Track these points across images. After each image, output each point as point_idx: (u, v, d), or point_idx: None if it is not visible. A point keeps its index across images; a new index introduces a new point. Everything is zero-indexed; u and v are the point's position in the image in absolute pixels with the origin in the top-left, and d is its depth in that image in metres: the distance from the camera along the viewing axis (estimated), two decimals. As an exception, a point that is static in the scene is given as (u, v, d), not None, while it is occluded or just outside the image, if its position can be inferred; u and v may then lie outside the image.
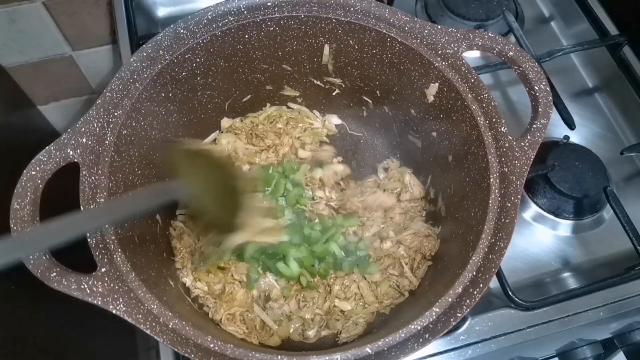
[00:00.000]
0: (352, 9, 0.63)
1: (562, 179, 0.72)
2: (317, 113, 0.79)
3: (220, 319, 0.62)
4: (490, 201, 0.53)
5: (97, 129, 0.54)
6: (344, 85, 0.73)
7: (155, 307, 0.48)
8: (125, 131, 0.56)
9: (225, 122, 0.75)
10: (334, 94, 0.75)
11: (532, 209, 0.74)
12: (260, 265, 0.66)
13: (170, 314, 0.48)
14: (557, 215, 0.73)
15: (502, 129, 0.56)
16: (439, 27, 0.61)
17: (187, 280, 0.64)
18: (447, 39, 0.61)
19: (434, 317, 0.48)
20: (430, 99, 0.64)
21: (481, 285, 0.49)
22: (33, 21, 0.89)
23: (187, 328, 0.48)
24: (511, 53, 0.59)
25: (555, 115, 0.75)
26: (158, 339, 0.47)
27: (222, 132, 0.75)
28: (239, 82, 0.70)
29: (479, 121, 0.57)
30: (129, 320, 0.47)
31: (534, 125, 0.56)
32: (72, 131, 0.53)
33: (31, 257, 0.47)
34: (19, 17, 0.87)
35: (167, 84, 0.61)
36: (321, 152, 0.76)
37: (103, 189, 0.52)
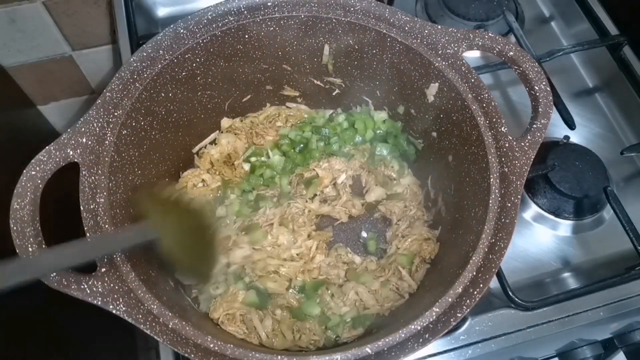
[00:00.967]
0: (352, 9, 0.63)
1: (563, 179, 0.72)
2: (318, 112, 0.78)
3: (219, 318, 0.62)
4: (490, 201, 0.53)
5: (97, 129, 0.54)
6: (344, 85, 0.73)
7: (155, 307, 0.48)
8: (125, 131, 0.56)
9: (225, 122, 0.75)
10: (334, 94, 0.75)
11: (532, 209, 0.74)
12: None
13: (170, 314, 0.48)
14: (557, 216, 0.73)
15: (502, 129, 0.56)
16: (439, 27, 0.61)
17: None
18: (447, 39, 0.61)
19: (434, 317, 0.48)
20: (430, 99, 0.64)
21: (481, 285, 0.49)
22: (33, 21, 0.89)
23: (187, 328, 0.48)
24: (511, 53, 0.59)
25: (555, 115, 0.75)
26: (158, 339, 0.47)
27: (222, 132, 0.75)
28: (239, 82, 0.70)
29: (479, 121, 0.57)
30: (129, 320, 0.47)
31: (534, 125, 0.56)
32: (72, 131, 0.53)
33: (31, 257, 0.47)
34: (19, 17, 0.87)
35: (167, 84, 0.61)
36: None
37: (103, 189, 0.52)
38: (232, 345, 0.47)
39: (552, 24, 0.93)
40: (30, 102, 1.06)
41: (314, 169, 0.72)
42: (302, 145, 0.74)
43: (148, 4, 0.89)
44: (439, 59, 0.60)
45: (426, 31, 0.61)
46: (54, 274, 0.47)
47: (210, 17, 0.61)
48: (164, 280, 0.59)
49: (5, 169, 0.65)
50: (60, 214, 0.71)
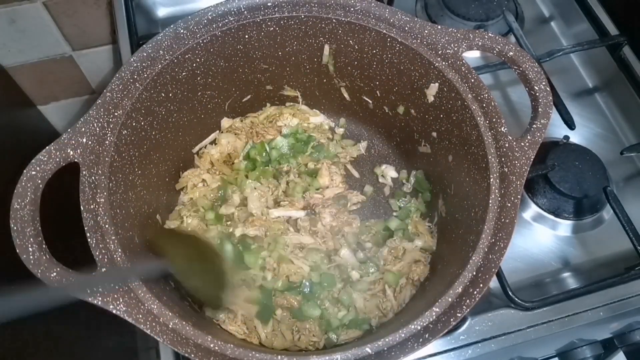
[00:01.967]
0: (352, 9, 0.63)
1: (562, 179, 0.72)
2: (317, 111, 0.79)
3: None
4: (490, 201, 0.53)
5: (97, 129, 0.54)
6: (344, 86, 0.73)
7: (155, 307, 0.48)
8: (125, 131, 0.56)
9: (225, 122, 0.75)
10: (334, 94, 0.75)
11: (532, 209, 0.74)
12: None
13: (170, 313, 0.48)
14: (557, 216, 0.73)
15: (502, 129, 0.56)
16: (439, 27, 0.61)
17: None
18: (447, 39, 0.61)
19: (434, 317, 0.48)
20: (430, 99, 0.64)
21: (481, 285, 0.49)
22: (33, 21, 0.89)
23: (187, 328, 0.48)
24: (511, 53, 0.59)
25: (555, 115, 0.75)
26: (158, 339, 0.47)
27: (222, 132, 0.75)
28: (239, 82, 0.70)
29: (479, 121, 0.57)
30: (129, 320, 0.47)
31: (534, 125, 0.56)
32: (72, 131, 0.53)
33: (31, 256, 0.47)
34: (19, 17, 0.87)
35: (167, 84, 0.61)
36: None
37: (103, 189, 0.52)
38: (232, 345, 0.47)
39: (552, 24, 0.93)
40: (30, 102, 1.06)
41: (319, 164, 0.72)
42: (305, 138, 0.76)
43: (148, 4, 0.89)
44: (439, 59, 0.60)
45: (426, 31, 0.61)
46: (55, 273, 0.47)
47: (210, 17, 0.61)
48: (164, 281, 0.59)
49: (6, 169, 0.65)
50: (60, 214, 0.71)
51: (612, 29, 0.85)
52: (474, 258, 0.51)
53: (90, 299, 0.47)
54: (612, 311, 0.63)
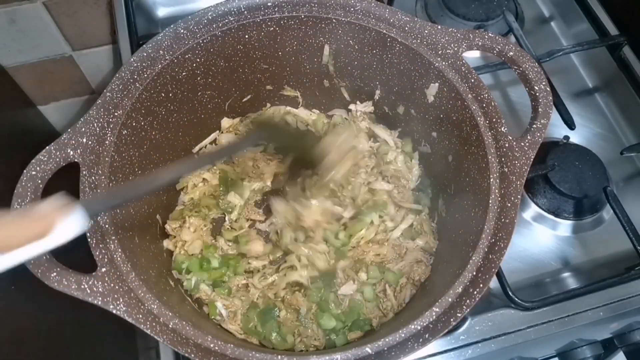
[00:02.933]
0: (352, 9, 0.63)
1: (562, 179, 0.72)
2: (316, 111, 0.79)
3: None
4: (490, 201, 0.53)
5: (97, 129, 0.54)
6: (344, 86, 0.73)
7: (155, 307, 0.48)
8: (125, 131, 0.56)
9: (226, 122, 0.75)
10: (334, 94, 0.75)
11: (532, 209, 0.74)
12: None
13: (170, 313, 0.48)
14: (557, 216, 0.73)
15: (502, 129, 0.56)
16: (439, 27, 0.61)
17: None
18: (447, 39, 0.61)
19: (434, 317, 0.48)
20: (430, 99, 0.64)
21: (481, 285, 0.49)
22: (33, 21, 0.89)
23: (187, 328, 0.48)
24: (511, 53, 0.59)
25: (555, 116, 0.75)
26: (158, 339, 0.47)
27: (222, 132, 0.75)
28: (239, 82, 0.70)
29: (479, 121, 0.57)
30: (129, 320, 0.47)
31: (534, 125, 0.56)
32: (72, 131, 0.53)
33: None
34: (19, 17, 0.87)
35: (167, 84, 0.61)
36: None
37: (103, 189, 0.52)
38: (232, 345, 0.47)
39: (552, 24, 0.93)
40: (30, 102, 1.06)
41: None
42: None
43: (148, 4, 0.89)
44: (439, 59, 0.60)
45: (426, 31, 0.61)
46: (55, 273, 0.47)
47: (210, 17, 0.61)
48: (164, 280, 0.59)
49: (6, 168, 0.65)
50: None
51: (612, 29, 0.85)
52: (474, 258, 0.51)
53: (90, 299, 0.47)
54: (612, 311, 0.63)
